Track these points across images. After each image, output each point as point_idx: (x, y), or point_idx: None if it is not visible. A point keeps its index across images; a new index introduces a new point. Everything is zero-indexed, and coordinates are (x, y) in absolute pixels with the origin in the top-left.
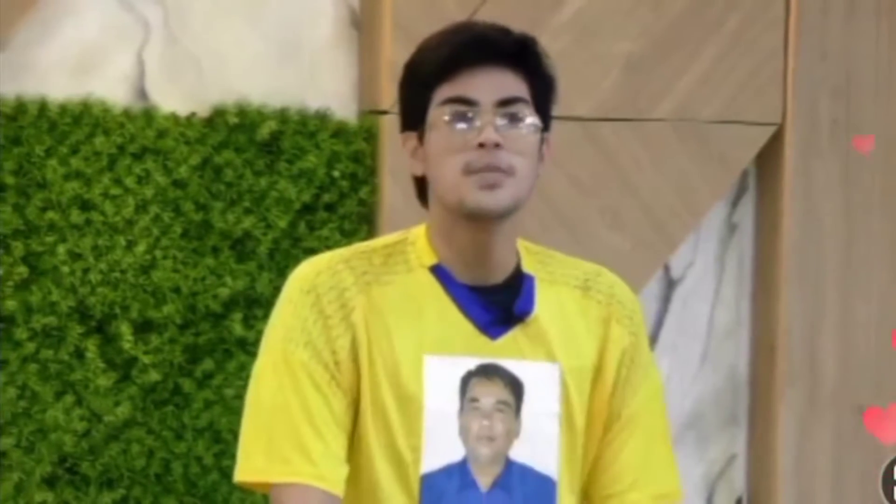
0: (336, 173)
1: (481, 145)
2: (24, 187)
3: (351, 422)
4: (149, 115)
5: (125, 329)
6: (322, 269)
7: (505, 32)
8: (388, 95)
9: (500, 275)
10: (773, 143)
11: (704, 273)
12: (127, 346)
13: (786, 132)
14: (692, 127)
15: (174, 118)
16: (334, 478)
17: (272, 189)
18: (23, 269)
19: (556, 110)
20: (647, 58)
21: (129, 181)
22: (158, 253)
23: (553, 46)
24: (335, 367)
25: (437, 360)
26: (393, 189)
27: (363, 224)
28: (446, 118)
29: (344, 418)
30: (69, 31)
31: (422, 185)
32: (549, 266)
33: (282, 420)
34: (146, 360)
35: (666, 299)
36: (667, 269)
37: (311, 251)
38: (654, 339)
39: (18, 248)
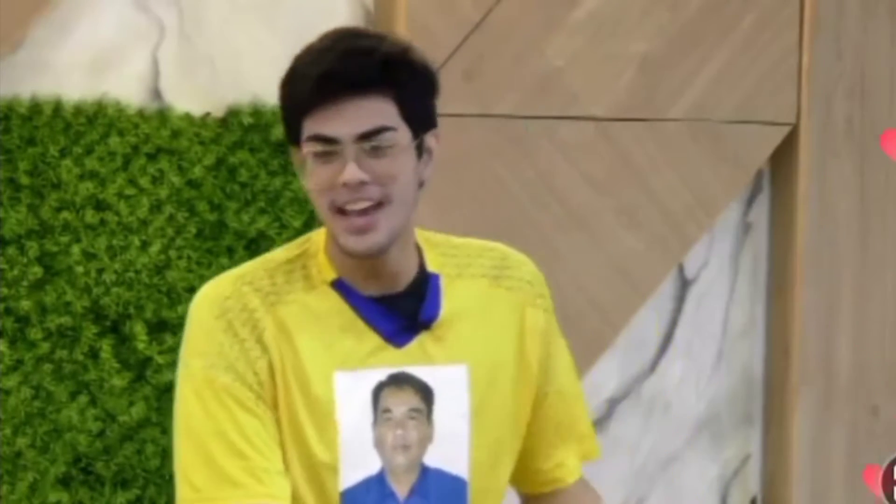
0: None
1: (345, 184)
2: (38, 187)
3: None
4: (163, 115)
5: (140, 329)
6: (228, 293)
7: (368, 52)
8: None
9: (402, 282)
10: (788, 143)
11: (719, 273)
12: (141, 346)
13: (801, 132)
14: (707, 127)
15: (189, 118)
16: (284, 494)
17: (287, 189)
18: (37, 270)
19: (571, 110)
20: (663, 57)
21: (144, 181)
22: (173, 253)
23: (568, 46)
24: (259, 387)
25: (347, 375)
26: None
27: None
28: (312, 156)
29: (277, 435)
30: (84, 31)
31: None
32: (455, 258)
33: (221, 445)
34: (161, 360)
35: (680, 299)
36: (681, 268)
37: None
38: (668, 338)
39: (33, 248)
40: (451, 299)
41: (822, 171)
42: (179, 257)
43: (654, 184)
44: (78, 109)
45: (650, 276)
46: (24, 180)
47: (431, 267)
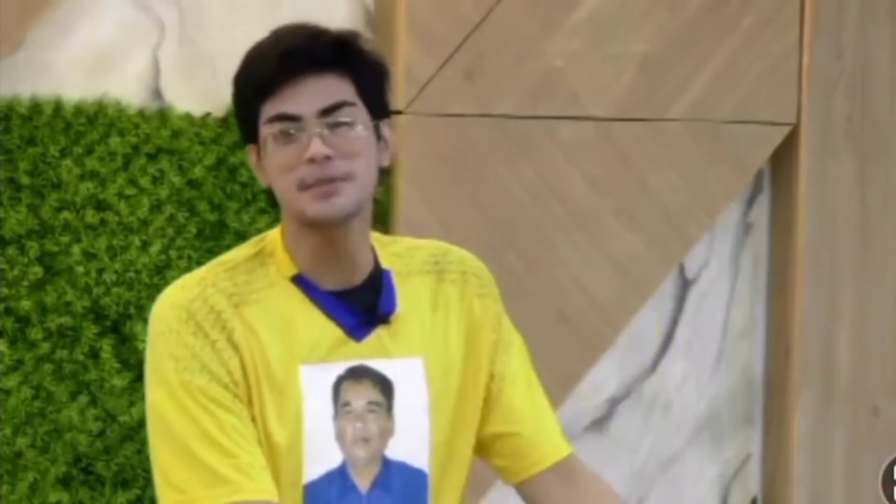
0: None
1: (311, 160)
2: (39, 187)
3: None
4: (164, 115)
5: (140, 329)
6: (193, 296)
7: (321, 35)
8: (403, 96)
9: (358, 276)
10: (789, 143)
11: (719, 273)
12: (142, 346)
13: (801, 132)
14: (707, 127)
15: (189, 118)
16: (271, 489)
17: None
18: (38, 270)
19: (571, 110)
20: (662, 58)
21: (144, 181)
22: (173, 253)
23: (568, 46)
24: (234, 385)
25: (311, 369)
26: (408, 189)
27: (378, 224)
28: (273, 136)
29: (255, 432)
30: (84, 31)
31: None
32: (403, 257)
33: (206, 445)
34: None
35: (681, 299)
36: (682, 268)
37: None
38: (668, 338)
39: (33, 248)
40: (404, 295)
41: (823, 171)
42: (180, 257)
43: (655, 184)
44: (78, 109)
45: (651, 276)
46: (25, 180)
47: (384, 264)
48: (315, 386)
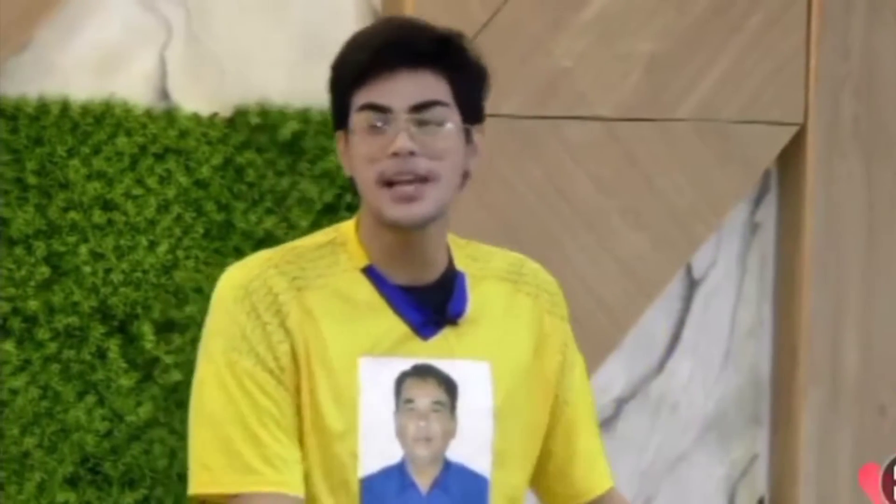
0: None
1: (395, 154)
2: (46, 187)
3: (299, 424)
4: (171, 115)
5: (147, 329)
6: (253, 275)
7: (425, 31)
8: None
9: (432, 274)
10: (796, 143)
11: (726, 273)
12: (149, 346)
13: (808, 132)
14: (714, 127)
15: (196, 118)
16: (298, 482)
17: (294, 189)
18: (45, 270)
19: (578, 110)
20: (670, 57)
21: (151, 181)
22: (180, 253)
23: (575, 46)
24: (280, 371)
25: (371, 362)
26: None
27: None
28: (361, 126)
29: (294, 421)
30: (91, 31)
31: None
32: (478, 261)
33: (239, 430)
34: (168, 360)
35: (688, 299)
36: (689, 268)
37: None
38: (675, 338)
39: (41, 248)
40: (476, 299)
41: (830, 170)
42: (187, 257)
43: (662, 184)
44: (85, 109)
45: (657, 276)
46: (32, 180)
47: (458, 266)
48: (374, 379)
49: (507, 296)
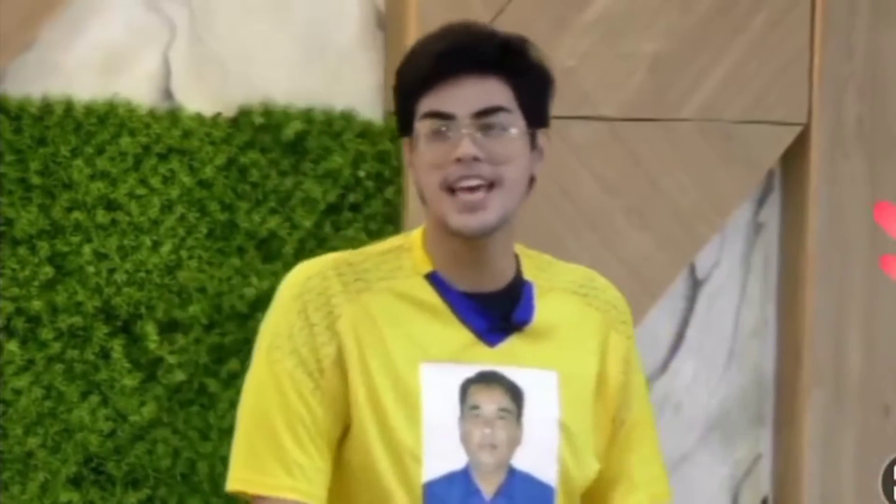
0: (361, 173)
1: (458, 160)
2: (49, 187)
3: (335, 431)
4: (174, 115)
5: (151, 329)
6: (312, 274)
7: (488, 37)
8: None
9: (498, 282)
10: (799, 143)
11: (730, 273)
12: (152, 346)
13: (812, 132)
14: (718, 127)
15: (200, 118)
16: (313, 492)
17: (298, 189)
18: (48, 270)
19: (582, 110)
20: (674, 57)
21: (155, 181)
22: (184, 253)
23: (579, 46)
24: (320, 375)
25: (434, 368)
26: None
27: (388, 224)
28: (425, 132)
29: (327, 428)
30: (95, 31)
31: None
32: (546, 272)
33: (264, 430)
34: (172, 360)
35: (691, 299)
36: (692, 268)
37: (337, 251)
38: (679, 338)
39: (44, 248)
40: (544, 309)
41: (834, 170)
42: (190, 257)
43: (665, 184)
44: (89, 109)
45: (661, 276)
46: (36, 180)
47: (527, 276)
48: (438, 384)
49: (578, 309)
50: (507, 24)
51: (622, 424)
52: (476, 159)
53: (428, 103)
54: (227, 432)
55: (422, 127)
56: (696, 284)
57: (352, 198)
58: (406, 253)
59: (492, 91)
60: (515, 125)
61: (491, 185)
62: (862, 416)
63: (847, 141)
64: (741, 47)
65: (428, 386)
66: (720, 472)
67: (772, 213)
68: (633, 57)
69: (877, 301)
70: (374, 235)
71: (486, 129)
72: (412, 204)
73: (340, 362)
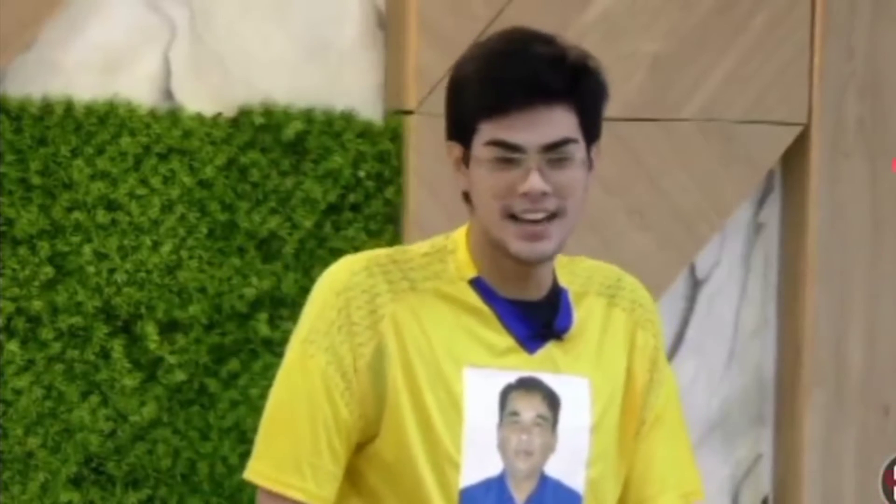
0: (362, 173)
1: (526, 194)
2: (50, 187)
3: (356, 434)
4: (175, 115)
5: (151, 329)
6: (358, 270)
7: (558, 60)
8: (414, 96)
9: (539, 291)
10: (800, 143)
11: (730, 273)
12: (153, 346)
13: (812, 132)
14: (718, 127)
15: (200, 118)
16: (321, 494)
17: (298, 189)
18: (49, 270)
19: None
20: (674, 58)
21: (155, 181)
22: (184, 253)
23: (579, 46)
24: (353, 374)
25: (476, 373)
26: (418, 189)
27: (389, 224)
28: (488, 157)
29: (348, 430)
30: (95, 31)
31: (467, 194)
32: (579, 276)
33: (285, 424)
34: (172, 360)
35: (692, 299)
36: (692, 268)
37: (337, 251)
38: (679, 338)
39: (44, 248)
40: (579, 314)
41: (834, 170)
42: (191, 257)
43: (666, 184)
44: (89, 109)
45: (662, 275)
46: (36, 180)
47: (561, 281)
48: (480, 390)
49: (604, 311)
50: (507, 24)
51: (646, 423)
52: (543, 194)
53: (494, 130)
54: (228, 432)
55: (486, 152)
56: (696, 284)
57: (352, 198)
58: (450, 255)
59: (560, 122)
60: (579, 152)
61: (553, 215)
62: (862, 416)
63: (847, 141)
64: (741, 47)
65: (471, 391)
66: (721, 471)
67: (772, 213)
68: (634, 57)
69: (877, 301)
70: (374, 235)
71: (552, 162)
72: (412, 204)
73: (375, 364)
